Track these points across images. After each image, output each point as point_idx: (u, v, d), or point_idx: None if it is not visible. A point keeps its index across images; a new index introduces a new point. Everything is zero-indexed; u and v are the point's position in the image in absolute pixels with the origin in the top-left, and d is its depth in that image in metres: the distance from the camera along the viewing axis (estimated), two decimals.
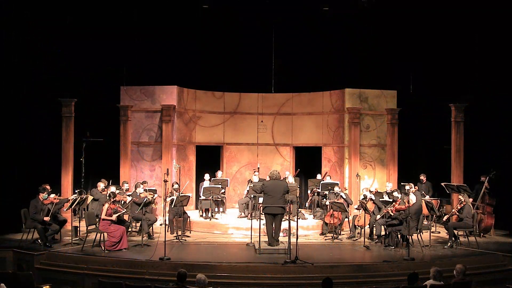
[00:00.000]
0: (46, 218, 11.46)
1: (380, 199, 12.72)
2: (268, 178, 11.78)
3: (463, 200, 11.91)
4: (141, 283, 8.81)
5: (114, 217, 11.29)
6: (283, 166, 16.61)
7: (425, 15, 14.30)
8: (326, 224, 12.95)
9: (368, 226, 12.52)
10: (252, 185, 13.52)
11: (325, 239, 12.57)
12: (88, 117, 14.43)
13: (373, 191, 13.32)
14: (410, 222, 11.17)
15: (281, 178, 13.46)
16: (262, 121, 16.66)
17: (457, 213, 11.88)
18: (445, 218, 12.31)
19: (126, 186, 13.64)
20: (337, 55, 15.54)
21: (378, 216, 12.06)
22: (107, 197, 11.73)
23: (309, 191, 15.43)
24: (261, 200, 11.50)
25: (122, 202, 12.36)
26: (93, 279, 9.64)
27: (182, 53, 15.60)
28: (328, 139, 16.07)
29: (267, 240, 11.24)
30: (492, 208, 13.06)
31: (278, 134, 16.83)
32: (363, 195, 13.08)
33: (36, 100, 13.43)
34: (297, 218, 10.87)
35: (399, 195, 12.20)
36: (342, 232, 12.97)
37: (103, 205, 11.47)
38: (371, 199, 12.64)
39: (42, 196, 11.57)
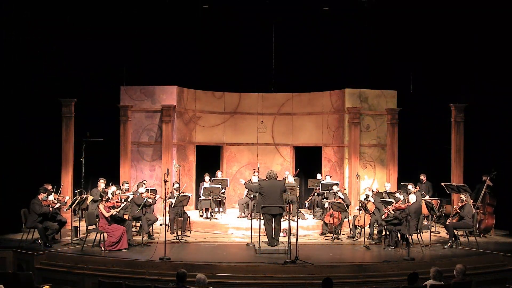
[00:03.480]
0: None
1: (381, 199, 12.72)
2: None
3: (464, 199, 11.92)
4: (141, 283, 8.82)
5: (114, 211, 11.29)
6: (283, 166, 16.62)
7: (425, 15, 14.31)
8: (326, 224, 12.95)
9: (368, 226, 12.53)
10: (250, 184, 13.49)
11: (325, 239, 12.57)
12: (88, 117, 14.43)
13: (374, 191, 13.32)
14: (410, 221, 11.17)
15: (280, 178, 13.46)
16: (262, 121, 16.66)
17: (458, 210, 11.89)
18: (450, 218, 12.28)
19: (126, 186, 13.64)
20: (337, 55, 15.55)
21: (383, 222, 12.03)
22: (99, 198, 11.74)
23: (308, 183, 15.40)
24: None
25: (122, 200, 12.36)
26: (93, 279, 9.65)
27: (182, 53, 15.60)
28: (328, 139, 16.07)
29: (267, 240, 11.25)
30: (492, 208, 13.06)
31: (278, 134, 16.83)
32: (365, 194, 13.08)
33: (36, 100, 13.42)
34: (297, 218, 10.88)
35: (401, 196, 12.19)
36: (342, 232, 12.98)
37: (98, 206, 11.48)
38: (370, 200, 12.63)
39: (42, 196, 11.58)
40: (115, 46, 14.25)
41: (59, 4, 13.57)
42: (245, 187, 13.04)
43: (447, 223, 12.14)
